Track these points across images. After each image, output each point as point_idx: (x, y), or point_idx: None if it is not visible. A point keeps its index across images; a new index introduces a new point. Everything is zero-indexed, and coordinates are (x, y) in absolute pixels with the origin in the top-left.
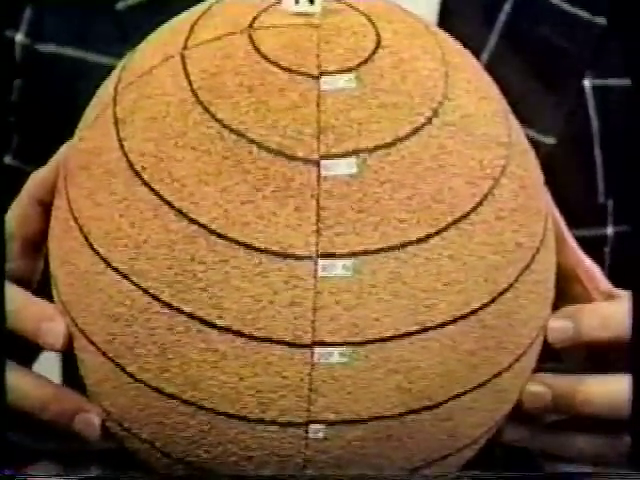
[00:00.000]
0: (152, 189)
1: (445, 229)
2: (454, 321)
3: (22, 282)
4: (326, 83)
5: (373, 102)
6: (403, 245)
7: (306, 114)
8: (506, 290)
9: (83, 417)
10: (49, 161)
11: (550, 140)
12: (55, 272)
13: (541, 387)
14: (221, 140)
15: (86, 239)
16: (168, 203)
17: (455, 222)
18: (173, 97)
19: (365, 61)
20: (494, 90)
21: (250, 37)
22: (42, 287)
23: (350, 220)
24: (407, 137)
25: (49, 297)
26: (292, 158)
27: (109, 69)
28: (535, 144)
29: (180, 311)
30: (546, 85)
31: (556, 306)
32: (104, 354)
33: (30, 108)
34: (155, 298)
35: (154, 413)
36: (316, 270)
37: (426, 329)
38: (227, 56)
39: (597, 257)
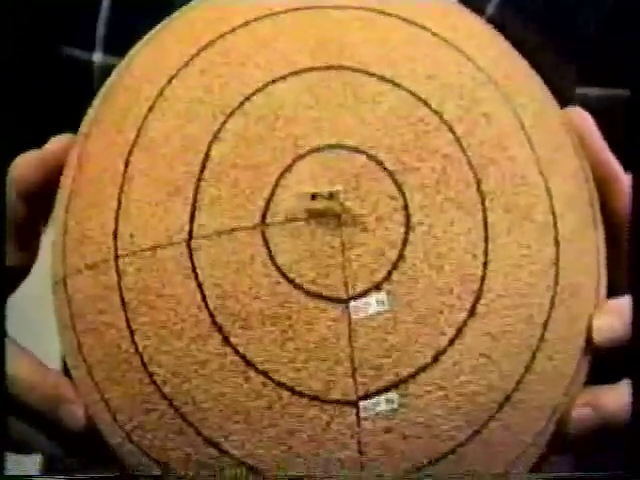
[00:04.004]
0: (175, 407)
1: (489, 421)
2: None
3: (16, 270)
4: (357, 310)
5: (409, 319)
6: (451, 451)
7: (338, 351)
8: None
9: (67, 408)
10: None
11: None
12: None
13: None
14: (247, 382)
15: (108, 410)
16: (194, 428)
17: (500, 407)
18: (186, 312)
19: (396, 264)
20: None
21: (264, 237)
22: None
23: (395, 452)
24: (450, 344)
25: None
26: (328, 402)
27: None
28: None
29: None
30: None
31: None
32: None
33: None
34: None
35: None
36: None
37: None
38: (242, 267)
39: None
